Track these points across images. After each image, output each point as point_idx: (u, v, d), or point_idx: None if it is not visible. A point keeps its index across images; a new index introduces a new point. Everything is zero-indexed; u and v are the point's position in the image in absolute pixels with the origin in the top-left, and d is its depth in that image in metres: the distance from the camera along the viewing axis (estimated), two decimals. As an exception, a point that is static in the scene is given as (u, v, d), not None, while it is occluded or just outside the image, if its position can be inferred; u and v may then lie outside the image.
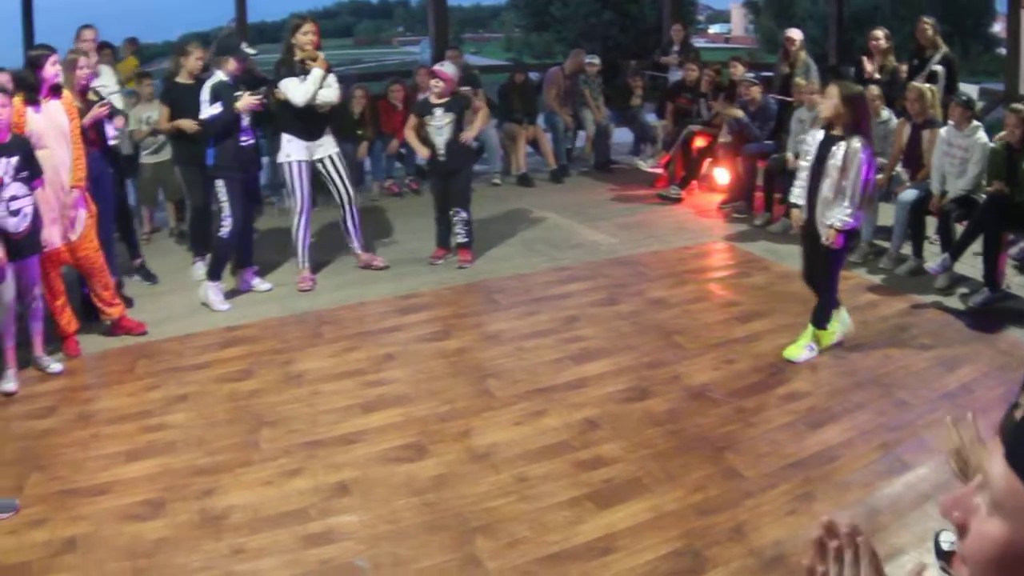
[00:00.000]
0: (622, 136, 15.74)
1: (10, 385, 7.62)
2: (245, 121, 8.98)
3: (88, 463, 6.34)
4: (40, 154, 7.61)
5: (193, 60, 9.80)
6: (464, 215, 10.06)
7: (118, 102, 10.21)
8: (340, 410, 6.85)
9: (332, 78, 9.39)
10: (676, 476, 5.65)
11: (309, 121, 9.37)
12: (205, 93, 8.95)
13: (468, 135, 10.10)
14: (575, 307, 8.60)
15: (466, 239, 10.14)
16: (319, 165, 9.56)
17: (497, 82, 15.63)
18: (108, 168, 9.16)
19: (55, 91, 8.05)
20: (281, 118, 9.55)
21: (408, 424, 6.53)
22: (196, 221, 10.22)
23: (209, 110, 8.88)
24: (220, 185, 9.05)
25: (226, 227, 9.09)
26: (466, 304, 9.00)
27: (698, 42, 19.01)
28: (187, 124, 9.61)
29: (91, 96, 8.92)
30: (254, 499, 5.72)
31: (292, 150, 9.44)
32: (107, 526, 5.55)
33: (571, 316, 8.38)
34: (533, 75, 15.61)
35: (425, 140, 10.05)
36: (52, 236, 7.87)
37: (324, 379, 7.44)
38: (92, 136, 8.73)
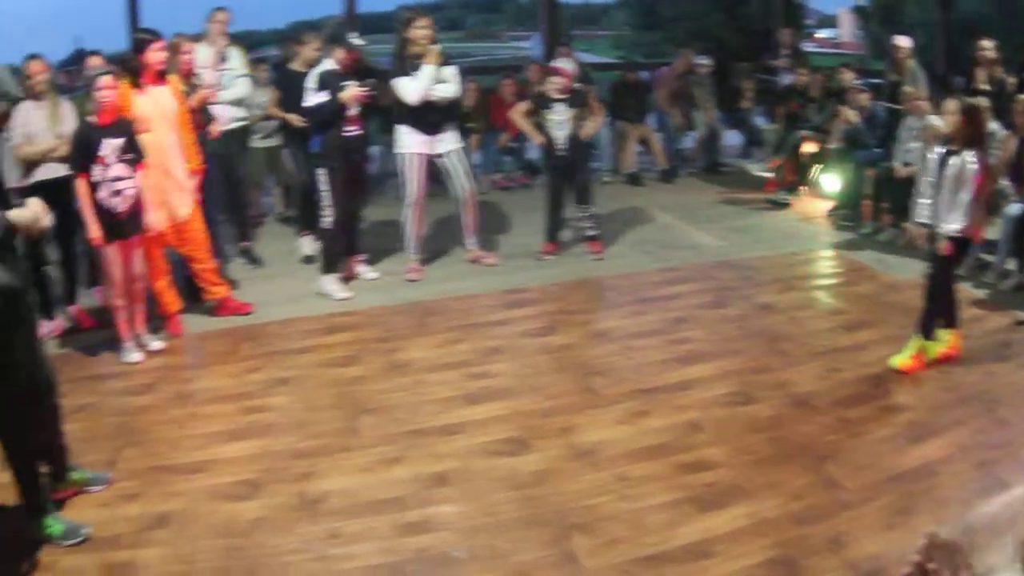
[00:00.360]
0: (731, 138, 15.55)
1: (134, 356, 7.81)
2: (352, 111, 8.93)
3: (185, 441, 6.40)
4: (145, 138, 7.67)
5: (310, 50, 9.81)
6: (591, 209, 10.00)
7: (245, 87, 10.25)
8: (443, 401, 6.81)
9: (452, 72, 9.30)
10: (776, 484, 5.52)
11: (428, 115, 9.28)
12: (311, 81, 8.95)
13: (585, 132, 10.00)
14: (682, 308, 8.47)
15: (595, 231, 10.08)
16: (441, 160, 9.48)
17: (607, 80, 15.54)
18: (212, 152, 9.18)
19: (161, 76, 8.10)
20: (399, 111, 9.46)
21: (511, 418, 6.46)
22: (305, 197, 10.20)
23: (314, 98, 8.87)
24: (322, 174, 9.04)
25: (328, 217, 9.09)
26: (574, 301, 8.88)
27: (807, 46, 18.80)
28: (294, 119, 9.68)
29: (195, 80, 8.94)
30: (352, 485, 5.70)
31: (409, 142, 9.38)
32: (201, 504, 5.58)
33: (678, 317, 8.26)
34: (644, 74, 15.49)
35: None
36: (156, 218, 7.91)
37: (428, 369, 7.41)
38: (198, 120, 8.78)
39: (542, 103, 9.87)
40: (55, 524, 5.29)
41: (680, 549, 4.91)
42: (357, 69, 8.98)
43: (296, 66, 9.92)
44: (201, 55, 9.50)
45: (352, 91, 8.75)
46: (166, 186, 8.05)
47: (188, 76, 8.82)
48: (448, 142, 9.47)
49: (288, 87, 9.85)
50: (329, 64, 8.92)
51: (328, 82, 8.78)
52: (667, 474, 5.62)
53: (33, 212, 4.91)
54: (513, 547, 4.96)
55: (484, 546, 4.99)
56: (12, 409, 5.12)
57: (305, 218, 10.33)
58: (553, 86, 9.82)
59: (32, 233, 5.06)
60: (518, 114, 10.11)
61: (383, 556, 4.97)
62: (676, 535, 5.01)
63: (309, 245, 10.20)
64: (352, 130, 8.97)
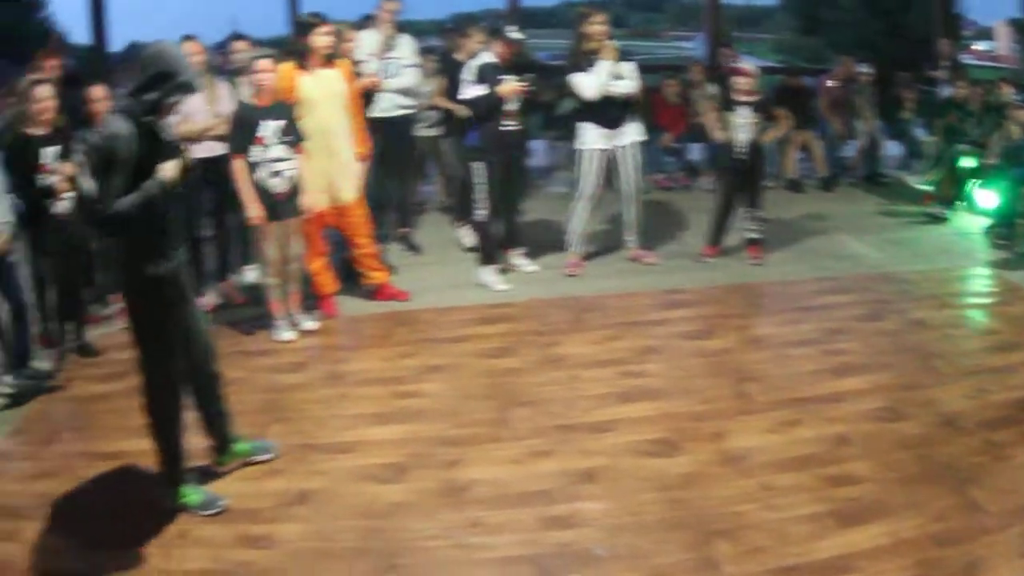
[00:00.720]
0: (892, 149, 15.21)
1: (286, 334, 7.99)
2: (511, 105, 8.90)
3: (332, 421, 6.55)
4: (310, 120, 7.82)
5: (474, 43, 9.83)
6: (760, 213, 9.88)
7: (413, 76, 10.21)
8: (596, 397, 6.79)
9: (630, 68, 9.23)
10: (919, 503, 5.40)
11: (607, 110, 9.21)
12: (469, 73, 8.96)
13: (767, 137, 9.89)
14: (838, 319, 8.32)
15: (760, 236, 9.95)
16: (616, 152, 9.40)
17: (769, 84, 15.34)
18: (378, 139, 9.28)
19: (328, 60, 8.20)
20: (578, 107, 9.46)
21: (662, 419, 6.42)
22: (463, 191, 10.30)
23: (471, 91, 8.89)
24: (478, 168, 9.07)
25: (481, 210, 9.15)
26: (731, 305, 8.80)
27: (964, 58, 18.33)
28: (459, 110, 9.68)
29: (356, 68, 9.02)
30: (499, 475, 5.74)
31: (588, 138, 9.35)
32: (344, 484, 5.70)
33: (834, 328, 8.11)
34: (807, 79, 15.28)
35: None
36: (317, 200, 8.06)
37: (584, 365, 7.39)
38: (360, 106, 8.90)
39: (727, 105, 9.74)
40: (193, 494, 5.46)
41: (820, 563, 4.84)
42: (515, 63, 8.98)
43: (460, 57, 9.95)
44: (367, 43, 9.63)
45: (510, 85, 8.73)
46: (330, 168, 8.17)
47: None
48: (627, 135, 9.39)
49: (452, 77, 9.89)
50: (487, 56, 8.95)
51: (486, 75, 8.80)
52: (813, 486, 5.54)
53: (170, 167, 5.05)
54: (655, 548, 4.94)
55: (626, 545, 4.98)
56: (162, 380, 5.29)
57: (462, 209, 10.44)
58: (738, 89, 9.69)
59: (186, 172, 5.20)
60: (710, 114, 10.02)
61: (524, 548, 5.00)
62: (817, 548, 4.95)
63: (468, 236, 10.28)
64: (511, 124, 8.96)
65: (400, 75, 9.88)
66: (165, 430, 5.39)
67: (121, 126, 4.81)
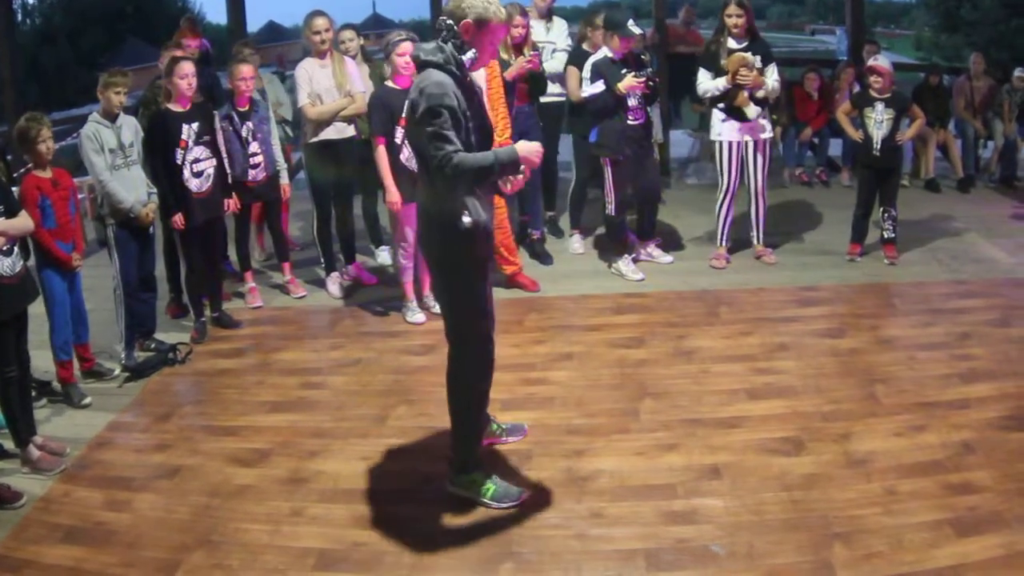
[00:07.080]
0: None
1: (418, 316, 8.16)
2: (633, 101, 8.85)
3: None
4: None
5: (599, 35, 9.75)
6: (894, 213, 9.70)
7: (561, 60, 10.11)
8: (726, 392, 6.80)
9: (771, 67, 9.18)
10: (1037, 515, 5.36)
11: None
12: (586, 70, 8.95)
13: (904, 135, 9.66)
14: (969, 324, 8.12)
15: (893, 235, 9.76)
16: (748, 146, 9.35)
17: (906, 81, 15.07)
18: (538, 124, 9.44)
19: None
20: (717, 98, 9.34)
21: (790, 417, 6.40)
22: (576, 193, 10.36)
23: (589, 88, 8.83)
24: (604, 164, 9.08)
25: (609, 204, 9.16)
26: (864, 304, 8.69)
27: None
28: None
29: (526, 52, 9.09)
30: (623, 467, 5.77)
31: (724, 129, 9.31)
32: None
33: (964, 332, 7.93)
34: (947, 78, 14.99)
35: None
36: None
37: (715, 359, 7.40)
38: (521, 91, 8.92)
39: (864, 102, 9.62)
40: (490, 483, 5.44)
41: (933, 572, 4.77)
42: (634, 57, 8.96)
43: (587, 47, 9.89)
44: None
45: (627, 81, 8.68)
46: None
47: (519, 48, 9.11)
48: (759, 131, 9.32)
49: (580, 67, 9.60)
50: (604, 51, 8.95)
51: (603, 71, 8.78)
52: (934, 493, 5.47)
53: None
54: (772, 549, 4.94)
55: (744, 543, 4.99)
56: (477, 349, 5.28)
57: (575, 214, 10.50)
58: (873, 85, 9.53)
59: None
60: (841, 115, 9.96)
61: (641, 542, 5.02)
62: (932, 556, 4.88)
63: (579, 243, 10.34)
64: (635, 120, 8.91)
65: (552, 60, 9.97)
66: (471, 406, 5.42)
67: (442, 78, 4.82)
